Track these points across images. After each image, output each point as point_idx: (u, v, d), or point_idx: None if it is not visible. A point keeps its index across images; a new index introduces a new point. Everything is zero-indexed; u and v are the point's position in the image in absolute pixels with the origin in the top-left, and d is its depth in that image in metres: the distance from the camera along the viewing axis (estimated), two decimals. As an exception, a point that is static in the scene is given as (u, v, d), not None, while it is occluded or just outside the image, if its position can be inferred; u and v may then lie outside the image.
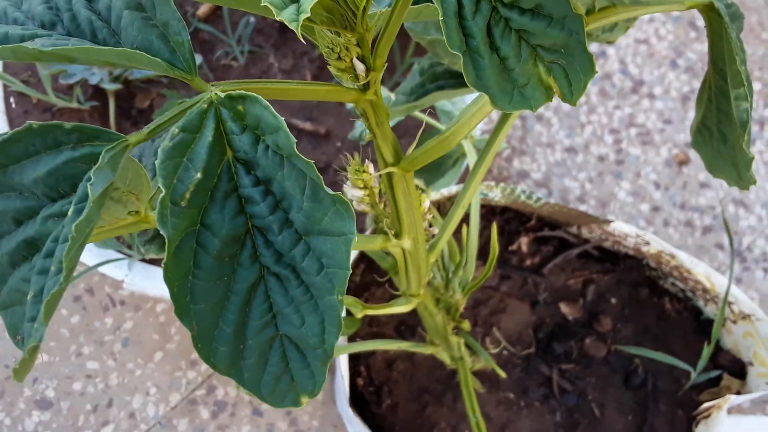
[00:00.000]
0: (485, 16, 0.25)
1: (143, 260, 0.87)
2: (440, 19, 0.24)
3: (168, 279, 0.23)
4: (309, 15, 0.21)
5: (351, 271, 0.25)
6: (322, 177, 0.24)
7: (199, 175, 0.24)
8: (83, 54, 0.25)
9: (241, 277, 0.25)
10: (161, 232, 0.23)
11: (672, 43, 1.12)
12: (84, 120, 0.95)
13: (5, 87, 0.94)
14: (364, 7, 0.26)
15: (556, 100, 1.08)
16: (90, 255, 0.86)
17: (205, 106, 0.25)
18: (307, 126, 0.95)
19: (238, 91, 0.24)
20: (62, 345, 0.99)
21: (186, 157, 0.24)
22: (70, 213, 0.24)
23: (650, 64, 1.11)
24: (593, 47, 1.11)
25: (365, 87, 0.32)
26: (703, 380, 0.73)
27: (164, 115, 0.25)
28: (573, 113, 1.08)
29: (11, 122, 0.94)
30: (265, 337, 0.25)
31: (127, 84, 0.95)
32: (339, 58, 0.30)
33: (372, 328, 0.74)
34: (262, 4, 0.21)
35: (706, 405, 0.68)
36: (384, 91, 0.58)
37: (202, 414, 0.97)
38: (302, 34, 0.31)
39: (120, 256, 0.87)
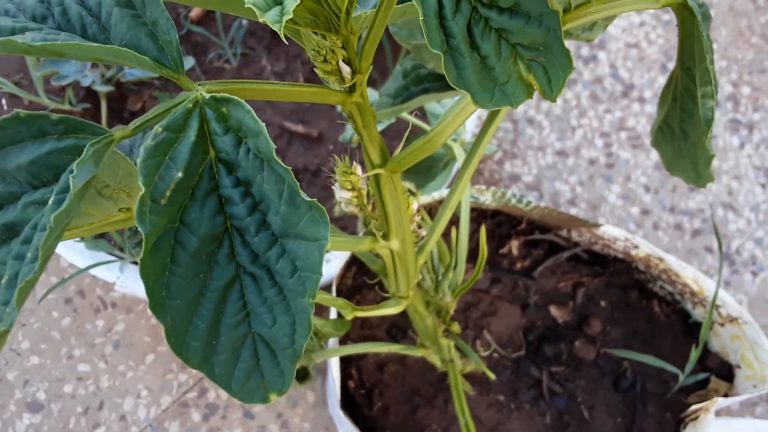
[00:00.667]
0: (465, 16, 0.26)
1: (134, 262, 0.87)
2: (421, 18, 0.25)
3: (144, 274, 0.24)
4: (292, 16, 0.22)
5: (322, 276, 0.25)
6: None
7: (180, 174, 0.24)
8: (72, 49, 0.25)
9: (217, 274, 0.26)
10: (139, 229, 0.23)
11: (662, 47, 1.13)
12: (76, 122, 0.95)
13: (-3, 89, 0.94)
14: (347, 9, 0.26)
15: (546, 104, 1.09)
16: (81, 257, 0.86)
17: (190, 105, 0.25)
18: (300, 128, 0.95)
19: (222, 93, 0.25)
20: (53, 347, 0.99)
21: (168, 156, 0.24)
22: (50, 202, 0.24)
23: (640, 68, 1.11)
24: (584, 50, 1.12)
25: (351, 89, 0.32)
26: (691, 383, 0.73)
27: (151, 112, 0.25)
28: (564, 117, 1.08)
29: (3, 124, 0.94)
30: (238, 334, 0.26)
31: (119, 86, 0.96)
32: (325, 60, 0.30)
33: (363, 330, 0.74)
34: (245, 6, 0.21)
35: (693, 407, 0.68)
36: (371, 93, 0.59)
37: (194, 417, 0.96)
38: (289, 37, 0.31)
39: (111, 258, 0.87)
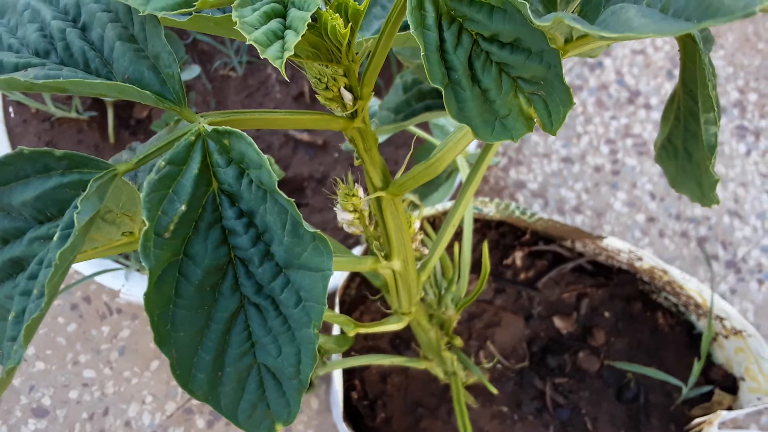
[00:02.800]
0: (466, 50, 0.26)
1: (140, 270, 0.87)
2: (422, 54, 0.25)
3: (149, 308, 0.24)
4: (293, 53, 0.22)
5: (326, 306, 0.25)
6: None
7: (183, 207, 0.24)
8: (75, 86, 0.25)
9: (221, 306, 0.26)
10: (143, 264, 0.23)
11: (668, 54, 1.12)
12: (83, 130, 0.96)
13: (4, 97, 0.94)
14: (349, 41, 0.26)
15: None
16: (87, 264, 0.86)
17: (193, 138, 0.25)
18: (305, 137, 0.96)
19: (224, 126, 0.25)
20: (59, 353, 1.00)
21: (171, 190, 0.24)
22: (55, 238, 0.24)
23: (646, 74, 1.11)
24: (590, 59, 1.12)
25: (353, 115, 0.32)
26: (696, 395, 0.73)
27: (153, 145, 0.26)
28: (569, 124, 1.08)
29: (10, 131, 0.94)
30: (243, 365, 0.26)
31: (125, 94, 0.96)
32: (327, 88, 0.30)
33: (367, 341, 0.74)
34: (247, 42, 0.22)
35: (697, 420, 0.68)
36: (374, 102, 0.59)
37: (198, 423, 0.97)
38: (294, 63, 0.31)
39: (117, 266, 0.87)
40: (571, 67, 1.12)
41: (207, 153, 0.25)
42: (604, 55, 1.13)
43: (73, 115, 0.93)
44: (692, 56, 0.34)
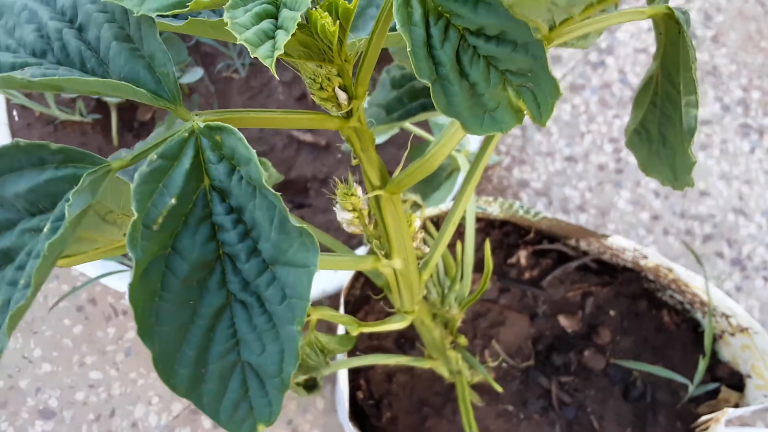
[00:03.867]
0: (454, 44, 0.26)
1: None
2: (408, 49, 0.25)
3: (133, 300, 0.24)
4: (283, 52, 0.22)
5: (310, 303, 0.25)
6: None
7: (173, 201, 0.24)
8: (71, 84, 0.25)
9: (207, 302, 0.26)
10: (130, 255, 0.23)
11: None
12: (86, 132, 0.96)
13: (8, 100, 0.95)
14: (340, 40, 0.26)
15: (555, 109, 1.08)
16: (92, 266, 0.87)
17: (186, 135, 0.25)
18: (308, 138, 0.96)
19: (215, 122, 0.25)
20: (65, 355, 1.00)
21: (162, 183, 0.24)
22: (45, 230, 0.24)
23: (651, 73, 1.11)
24: (592, 55, 1.11)
25: (348, 114, 0.32)
26: (702, 393, 0.73)
27: (148, 143, 0.26)
28: (572, 122, 1.08)
29: (14, 135, 0.95)
30: (227, 362, 0.26)
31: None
32: (321, 88, 0.30)
33: (372, 341, 0.74)
34: (237, 42, 0.22)
35: (704, 418, 0.68)
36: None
37: (204, 424, 0.97)
38: (290, 65, 0.31)
39: (122, 267, 0.87)
40: (573, 66, 1.12)
41: (200, 149, 0.25)
42: (606, 54, 1.12)
43: (77, 118, 0.93)
44: (674, 40, 0.34)
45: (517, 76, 0.26)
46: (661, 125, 0.40)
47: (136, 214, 0.24)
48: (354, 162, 0.35)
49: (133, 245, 0.24)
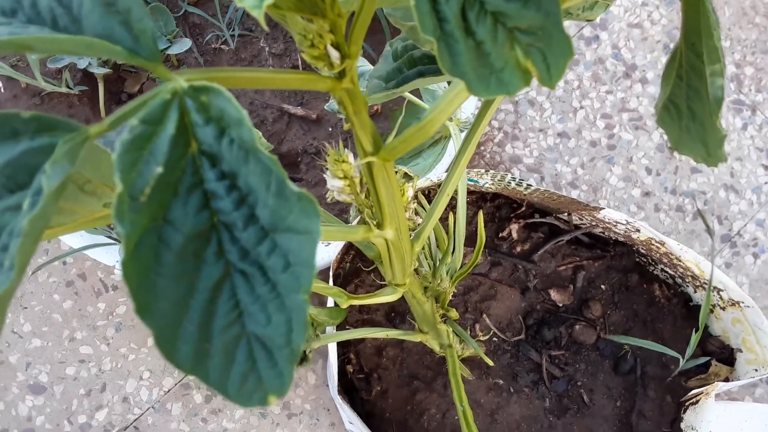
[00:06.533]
0: (459, -1, 0.25)
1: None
2: (412, 3, 0.24)
3: (127, 277, 0.23)
4: (272, 2, 0.21)
5: (317, 270, 0.24)
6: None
7: (160, 168, 0.23)
8: (40, 42, 0.24)
9: (206, 274, 0.25)
10: (118, 229, 0.22)
11: (665, 27, 1.11)
12: (73, 105, 0.94)
13: (-7, 72, 0.93)
14: (332, -8, 0.25)
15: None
16: (81, 240, 0.86)
17: (168, 96, 0.24)
18: (299, 111, 0.94)
19: (201, 82, 0.24)
20: (55, 330, 0.99)
21: (146, 150, 0.23)
22: (24, 206, 0.23)
23: (643, 48, 1.10)
24: (586, 30, 1.10)
25: (341, 75, 0.31)
26: (692, 366, 0.73)
27: (127, 105, 0.24)
28: (565, 98, 1.07)
29: (0, 106, 0.93)
30: (231, 335, 0.25)
31: (117, 68, 0.95)
32: (312, 45, 0.29)
33: (362, 315, 0.74)
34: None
35: (694, 391, 0.68)
36: (367, 65, 0.57)
37: (196, 398, 0.97)
38: (276, 20, 0.30)
39: (110, 241, 0.86)
40: (568, 39, 1.11)
41: (184, 112, 0.24)
42: (600, 29, 1.11)
43: (64, 89, 0.91)
44: (695, 5, 0.33)
45: (527, 35, 0.25)
46: (689, 99, 0.39)
47: (120, 186, 0.22)
48: (346, 126, 0.34)
49: (120, 219, 0.23)
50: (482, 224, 0.52)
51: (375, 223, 0.41)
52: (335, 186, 0.38)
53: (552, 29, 0.25)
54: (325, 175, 0.38)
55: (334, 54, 0.30)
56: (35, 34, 0.25)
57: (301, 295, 0.25)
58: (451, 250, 0.58)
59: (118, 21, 0.24)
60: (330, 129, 0.94)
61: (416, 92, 0.80)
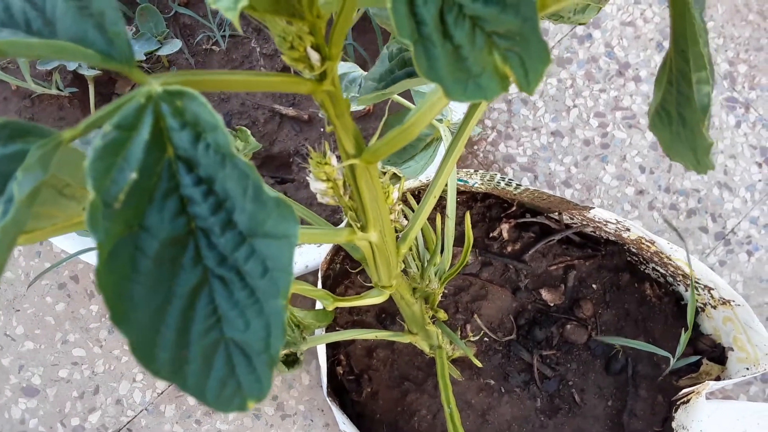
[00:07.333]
0: (437, 2, 0.25)
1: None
2: (389, 6, 0.23)
3: (101, 285, 0.22)
4: (247, 4, 0.20)
5: (294, 276, 0.24)
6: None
7: (134, 175, 0.23)
8: (11, 47, 0.24)
9: (183, 280, 0.24)
10: (92, 237, 0.22)
11: (658, 26, 1.11)
12: (64, 107, 0.94)
13: (-17, 74, 0.93)
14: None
15: (540, 84, 1.07)
16: (72, 243, 0.85)
17: (143, 101, 0.24)
18: (290, 111, 0.94)
19: (175, 86, 0.24)
20: (48, 332, 0.99)
21: (120, 156, 0.23)
22: (-1, 213, 0.23)
23: (636, 46, 1.10)
24: (578, 29, 1.10)
25: (321, 77, 0.31)
26: (683, 365, 0.73)
27: (103, 109, 0.24)
28: (559, 97, 1.07)
29: (-10, 109, 0.93)
30: (209, 341, 0.25)
31: (106, 71, 0.94)
32: (292, 47, 0.29)
33: (352, 316, 0.74)
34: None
35: (685, 390, 0.68)
36: (358, 70, 0.57)
37: (189, 400, 0.97)
38: (256, 20, 0.30)
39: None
40: (560, 39, 1.11)
41: (159, 116, 0.24)
42: (593, 27, 1.11)
43: (54, 91, 0.91)
44: (681, 11, 0.33)
45: (505, 39, 0.25)
46: (679, 105, 0.39)
47: (93, 193, 0.22)
48: (328, 129, 0.34)
49: (94, 227, 0.22)
50: (470, 224, 0.52)
51: (359, 225, 0.40)
52: (318, 188, 0.38)
53: (529, 35, 0.25)
54: (308, 178, 0.38)
55: (314, 56, 0.30)
56: (7, 38, 0.24)
57: (279, 300, 0.24)
58: (440, 250, 0.58)
59: (91, 24, 0.24)
60: (322, 129, 0.94)
61: (408, 96, 0.80)
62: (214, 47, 0.96)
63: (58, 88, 0.91)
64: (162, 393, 0.98)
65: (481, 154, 1.03)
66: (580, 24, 0.50)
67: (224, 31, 0.96)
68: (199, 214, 0.25)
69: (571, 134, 1.05)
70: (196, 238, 0.25)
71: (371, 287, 0.51)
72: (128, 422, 0.97)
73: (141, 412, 0.97)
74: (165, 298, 0.24)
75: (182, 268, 0.25)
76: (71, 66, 0.87)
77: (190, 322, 0.25)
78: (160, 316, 0.24)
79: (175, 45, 0.87)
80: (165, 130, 0.24)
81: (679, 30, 0.36)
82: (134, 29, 0.91)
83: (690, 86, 0.37)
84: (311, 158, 0.37)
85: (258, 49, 0.97)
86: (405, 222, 0.46)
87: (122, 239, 0.23)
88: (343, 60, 0.99)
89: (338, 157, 0.38)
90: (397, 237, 0.48)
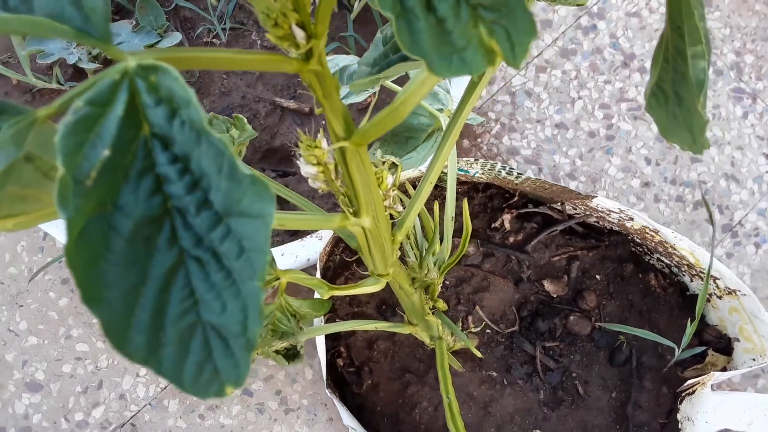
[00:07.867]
0: (421, -27, 0.24)
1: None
2: (368, -22, 0.23)
3: (71, 264, 0.22)
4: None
5: (270, 255, 0.24)
6: None
7: (107, 152, 0.22)
8: (-17, 23, 0.23)
9: (158, 261, 0.24)
10: (60, 214, 0.22)
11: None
12: (65, 101, 0.94)
13: (-16, 69, 0.93)
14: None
15: (545, 76, 1.06)
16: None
17: (118, 76, 0.23)
18: (291, 104, 0.94)
19: (149, 61, 0.23)
20: (51, 327, 0.99)
21: (93, 133, 0.22)
22: (-28, 193, 0.22)
23: (641, 37, 1.08)
24: (583, 19, 1.09)
25: (308, 56, 0.30)
26: (688, 356, 0.72)
27: (78, 87, 0.24)
28: (563, 89, 1.06)
29: (-9, 104, 0.93)
30: (185, 324, 0.24)
31: (107, 63, 0.94)
32: (276, 24, 0.28)
33: (352, 307, 0.73)
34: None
35: (690, 382, 0.67)
36: (351, 57, 0.57)
37: (191, 395, 0.96)
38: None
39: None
40: (564, 30, 1.10)
41: (135, 92, 0.23)
42: (598, 18, 1.10)
43: (54, 85, 0.91)
44: None
45: (490, 12, 0.24)
46: (675, 83, 0.38)
47: (63, 169, 0.22)
48: (317, 111, 0.33)
49: (63, 203, 0.22)
50: (467, 212, 0.51)
51: (351, 211, 0.40)
52: (308, 173, 0.37)
53: (515, 6, 0.25)
54: (298, 162, 0.38)
55: (299, 33, 0.29)
56: (-21, 15, 0.24)
57: (256, 282, 0.24)
58: (439, 239, 0.57)
59: (68, 1, 0.23)
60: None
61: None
62: (214, 40, 0.96)
63: (59, 82, 0.91)
64: (165, 388, 0.98)
65: (485, 147, 1.02)
66: (578, 5, 0.49)
67: (225, 23, 0.96)
68: (174, 193, 0.24)
69: (576, 126, 1.03)
70: (172, 218, 0.24)
71: (366, 276, 0.51)
72: (132, 417, 0.96)
73: (144, 406, 0.97)
74: (139, 279, 0.24)
75: (157, 248, 0.24)
76: (71, 60, 0.87)
77: (166, 305, 0.24)
78: (134, 298, 0.23)
79: (175, 38, 0.87)
80: (140, 106, 0.24)
81: (674, 4, 0.35)
82: (134, 22, 0.91)
83: (686, 62, 0.37)
84: (301, 142, 0.36)
85: (259, 42, 0.96)
86: (401, 209, 0.46)
87: (95, 217, 0.22)
88: (344, 52, 0.98)
89: (329, 141, 0.37)
90: (394, 224, 0.47)
